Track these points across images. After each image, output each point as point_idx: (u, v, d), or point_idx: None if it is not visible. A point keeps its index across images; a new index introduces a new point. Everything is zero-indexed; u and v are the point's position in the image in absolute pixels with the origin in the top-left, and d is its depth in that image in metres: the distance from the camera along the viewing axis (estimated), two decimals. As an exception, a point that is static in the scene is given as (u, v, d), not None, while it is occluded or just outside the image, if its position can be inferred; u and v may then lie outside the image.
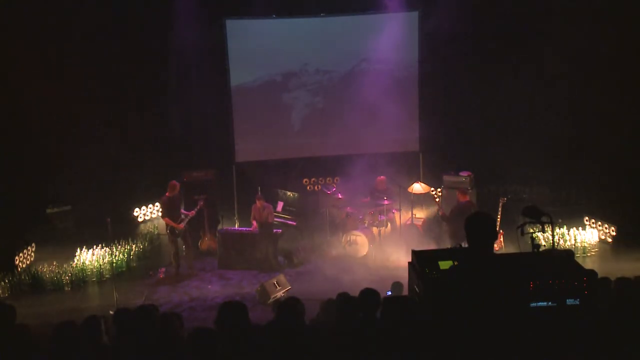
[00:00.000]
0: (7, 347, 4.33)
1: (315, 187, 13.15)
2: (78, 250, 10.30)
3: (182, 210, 10.11)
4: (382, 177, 11.50)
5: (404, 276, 4.38)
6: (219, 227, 11.18)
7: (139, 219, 12.82)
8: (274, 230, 10.51)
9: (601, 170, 11.25)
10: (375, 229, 11.02)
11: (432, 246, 9.69)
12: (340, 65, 12.82)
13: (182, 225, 9.86)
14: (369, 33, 12.17)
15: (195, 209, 10.09)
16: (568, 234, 10.43)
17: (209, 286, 9.71)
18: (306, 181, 13.28)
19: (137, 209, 12.80)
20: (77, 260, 10.09)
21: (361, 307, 4.45)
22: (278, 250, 10.49)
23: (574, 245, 10.18)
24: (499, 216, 9.67)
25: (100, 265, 9.99)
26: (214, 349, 3.79)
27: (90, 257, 10.11)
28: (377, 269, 10.02)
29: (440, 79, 12.50)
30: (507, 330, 3.31)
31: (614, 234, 10.53)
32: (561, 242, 10.23)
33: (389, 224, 11.28)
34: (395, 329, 3.97)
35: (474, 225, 3.46)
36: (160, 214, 11.18)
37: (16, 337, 4.43)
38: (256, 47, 12.43)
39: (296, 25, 12.67)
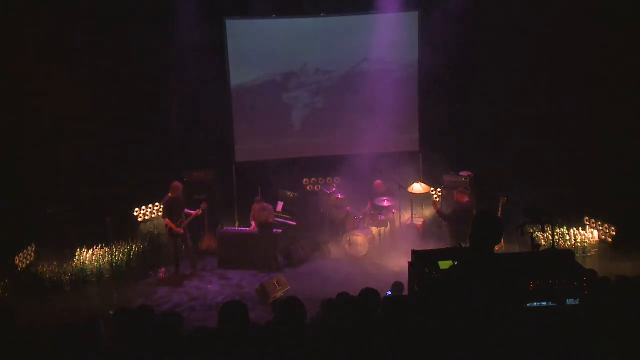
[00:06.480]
0: (7, 347, 4.33)
1: (315, 187, 13.13)
2: (78, 250, 10.29)
3: (187, 210, 10.09)
4: (378, 181, 11.47)
5: (404, 276, 4.39)
6: (219, 227, 11.18)
7: (139, 219, 12.81)
8: (274, 230, 10.51)
9: (602, 171, 11.23)
10: (375, 229, 11.03)
11: (432, 246, 9.69)
12: (340, 65, 12.81)
13: (182, 230, 9.83)
14: (369, 33, 12.16)
15: (200, 208, 10.06)
16: (568, 234, 10.43)
17: (209, 286, 9.72)
18: (306, 181, 13.27)
19: (137, 209, 12.80)
20: (77, 260, 10.09)
21: (361, 307, 4.45)
22: (278, 250, 10.49)
23: (574, 245, 10.18)
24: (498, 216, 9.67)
25: (100, 265, 9.98)
26: (214, 349, 3.79)
27: (90, 257, 10.11)
28: (377, 269, 10.03)
29: (440, 79, 12.48)
30: (507, 330, 3.31)
31: (614, 234, 10.53)
32: (561, 242, 10.23)
33: (389, 224, 11.28)
34: (395, 329, 3.97)
35: (485, 225, 3.40)
36: (161, 214, 11.16)
37: (16, 337, 4.42)
38: (256, 47, 12.41)
39: (296, 25, 12.65)
